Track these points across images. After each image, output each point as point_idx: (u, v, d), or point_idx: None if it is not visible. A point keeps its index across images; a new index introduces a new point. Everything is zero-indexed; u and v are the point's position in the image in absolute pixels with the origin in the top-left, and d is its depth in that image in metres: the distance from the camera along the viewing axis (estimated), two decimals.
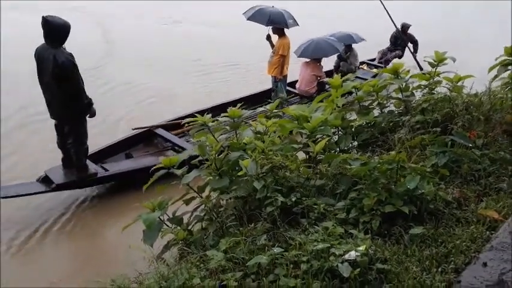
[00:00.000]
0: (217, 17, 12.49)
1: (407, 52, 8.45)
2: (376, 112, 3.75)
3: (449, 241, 2.03)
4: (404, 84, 3.56)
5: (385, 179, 2.34)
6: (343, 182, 2.55)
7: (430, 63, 3.65)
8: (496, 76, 4.56)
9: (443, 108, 3.09)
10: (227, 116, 3.01)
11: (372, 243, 2.02)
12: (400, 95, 3.66)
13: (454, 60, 3.48)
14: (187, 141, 5.28)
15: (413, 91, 3.67)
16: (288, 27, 6.15)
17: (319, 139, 3.12)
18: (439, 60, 3.58)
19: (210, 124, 2.85)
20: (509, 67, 4.67)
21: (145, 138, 5.41)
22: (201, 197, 2.82)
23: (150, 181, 2.77)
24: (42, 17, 3.95)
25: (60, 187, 4.33)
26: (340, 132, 3.54)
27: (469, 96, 3.22)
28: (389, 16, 7.73)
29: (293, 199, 2.39)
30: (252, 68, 8.76)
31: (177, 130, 5.50)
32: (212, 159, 2.70)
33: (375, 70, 7.78)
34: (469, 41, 10.54)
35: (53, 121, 4.36)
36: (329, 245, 1.90)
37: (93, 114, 4.36)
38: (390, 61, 8.51)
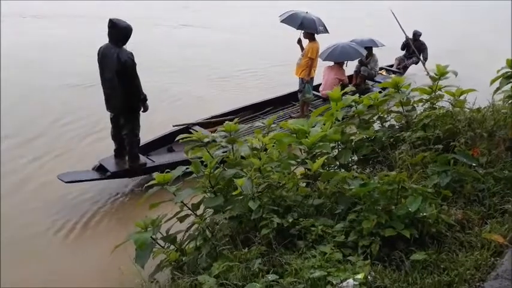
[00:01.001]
0: (229, 22, 13.06)
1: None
2: (376, 126, 3.67)
3: (453, 268, 1.94)
4: (405, 98, 3.49)
5: (385, 201, 2.25)
6: (342, 202, 2.46)
7: (431, 77, 3.57)
8: (497, 89, 4.50)
9: (445, 124, 3.01)
10: (225, 130, 2.94)
11: (371, 269, 1.93)
12: (401, 109, 3.60)
13: (455, 74, 3.41)
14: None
15: (415, 105, 3.59)
16: (317, 33, 6.50)
17: (318, 155, 3.05)
18: (441, 73, 3.51)
19: (206, 140, 2.76)
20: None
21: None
22: (196, 215, 2.75)
23: (144, 198, 2.70)
24: (110, 19, 4.47)
25: (114, 175, 4.76)
26: (339, 147, 3.46)
27: (471, 112, 3.14)
28: (400, 26, 8.41)
29: (290, 220, 2.30)
30: (267, 73, 9.30)
31: (212, 128, 5.91)
32: (207, 176, 2.62)
33: (393, 76, 8.06)
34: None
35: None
36: (326, 273, 1.81)
37: (146, 109, 4.76)
38: (408, 67, 9.12)
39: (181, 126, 5.80)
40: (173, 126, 5.81)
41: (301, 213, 2.43)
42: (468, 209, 2.41)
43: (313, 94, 7.02)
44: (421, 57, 8.97)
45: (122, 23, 4.45)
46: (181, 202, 2.64)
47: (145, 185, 2.76)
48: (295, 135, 3.11)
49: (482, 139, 2.84)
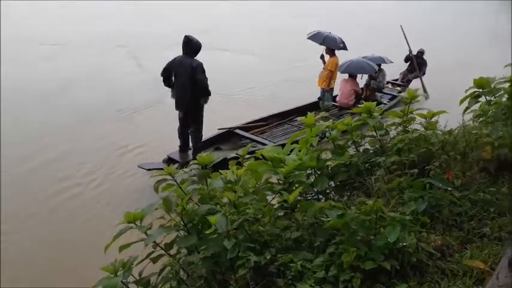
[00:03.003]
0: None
1: (428, 72, 10.09)
2: (351, 150, 3.66)
3: None
4: (378, 122, 3.50)
5: (363, 231, 2.19)
6: (320, 233, 2.39)
7: (403, 101, 3.61)
8: (467, 108, 4.59)
9: (419, 148, 3.01)
10: (199, 163, 2.84)
11: None
12: (374, 133, 3.60)
13: (426, 97, 3.45)
14: (263, 138, 6.92)
15: (388, 129, 3.60)
16: (338, 49, 7.83)
17: (295, 183, 2.99)
18: (412, 97, 3.55)
19: (177, 175, 2.65)
20: (479, 99, 4.74)
21: (227, 136, 6.90)
22: (169, 255, 2.62)
23: (113, 239, 2.56)
24: (185, 35, 5.74)
25: (182, 165, 5.39)
26: (316, 174, 3.42)
27: (444, 134, 3.16)
28: (407, 42, 9.80)
29: (268, 257, 2.21)
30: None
31: (251, 131, 7.13)
32: (179, 213, 2.50)
33: (398, 88, 9.76)
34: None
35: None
36: None
37: (205, 102, 5.85)
38: (411, 81, 10.22)
39: (225, 129, 6.87)
40: (218, 129, 6.85)
41: (279, 248, 2.34)
42: (447, 234, 2.38)
43: (331, 103, 8.26)
44: (419, 73, 10.04)
45: (195, 39, 5.72)
46: (154, 242, 2.51)
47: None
48: (270, 163, 3.06)
49: (456, 161, 2.85)
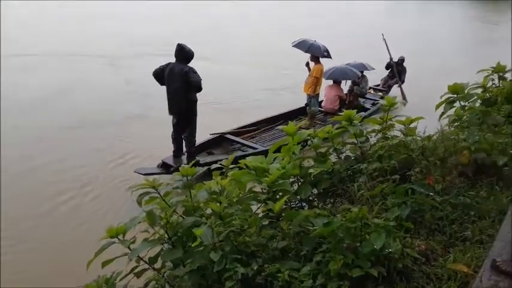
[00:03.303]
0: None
1: (407, 79, 10.52)
2: (332, 158, 3.69)
3: None
4: (358, 130, 3.55)
5: (349, 238, 2.20)
6: (306, 242, 2.39)
7: (382, 108, 3.67)
8: (442, 113, 4.71)
9: (400, 154, 3.06)
10: (181, 174, 2.81)
11: None
12: (355, 140, 3.65)
13: (404, 104, 3.52)
14: (253, 143, 7.18)
15: (368, 136, 3.66)
16: (322, 57, 8.04)
17: (279, 191, 2.99)
18: (390, 104, 3.62)
19: (160, 188, 2.61)
20: (454, 104, 4.88)
21: (218, 141, 7.14)
22: (154, 269, 2.57)
23: (95, 255, 2.50)
24: (178, 44, 5.91)
25: (176, 169, 5.63)
26: (299, 181, 3.43)
27: (423, 140, 3.23)
28: (388, 50, 10.32)
29: (255, 267, 2.19)
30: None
31: (242, 135, 7.41)
32: (163, 225, 2.46)
33: (380, 93, 10.16)
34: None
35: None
36: None
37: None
38: (392, 86, 10.61)
39: (217, 134, 7.12)
40: (210, 134, 7.04)
41: (265, 258, 2.33)
42: (430, 239, 2.42)
43: (318, 108, 8.50)
44: (399, 79, 10.43)
45: (187, 47, 5.91)
46: (138, 256, 2.46)
47: None
48: (254, 172, 3.06)
49: (436, 167, 2.90)
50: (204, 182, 2.89)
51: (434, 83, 10.89)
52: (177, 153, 6.17)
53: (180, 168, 5.11)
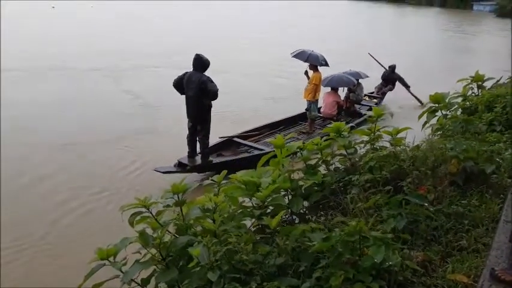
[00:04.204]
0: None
1: (398, 85, 11.49)
2: (321, 169, 3.68)
3: None
4: (347, 141, 3.55)
5: (348, 253, 2.18)
6: (304, 258, 2.34)
7: (369, 119, 3.70)
8: (425, 123, 4.79)
9: (391, 165, 3.07)
10: (172, 192, 2.73)
11: None
12: (343, 151, 3.65)
13: (391, 115, 3.56)
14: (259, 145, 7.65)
15: (357, 147, 3.67)
16: (320, 65, 8.58)
17: (271, 205, 2.96)
18: (378, 115, 3.65)
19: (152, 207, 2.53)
20: (436, 114, 4.97)
21: (227, 144, 7.71)
22: None
23: (85, 279, 2.40)
24: (196, 54, 6.47)
25: (191, 169, 6.50)
26: (290, 194, 3.40)
27: (412, 150, 3.25)
28: (380, 64, 11.40)
29: (253, 286, 2.13)
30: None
31: (249, 139, 8.01)
32: (156, 246, 2.38)
33: (374, 100, 10.91)
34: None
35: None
36: None
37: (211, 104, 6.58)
38: (386, 93, 11.38)
39: (226, 138, 7.69)
40: (219, 138, 7.58)
41: (263, 276, 2.27)
42: (427, 249, 2.42)
43: (317, 114, 9.05)
44: (404, 87, 11.40)
45: (204, 57, 6.43)
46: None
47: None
48: (244, 187, 3.02)
49: (427, 176, 2.92)
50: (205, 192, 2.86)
51: (416, 89, 11.42)
52: (192, 153, 6.67)
53: (194, 167, 6.37)
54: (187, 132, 6.65)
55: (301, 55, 8.69)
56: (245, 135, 8.09)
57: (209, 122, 6.58)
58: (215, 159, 6.90)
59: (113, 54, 14.60)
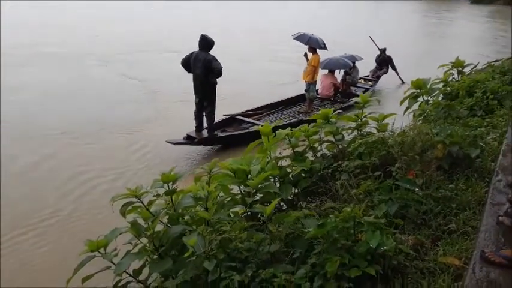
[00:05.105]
0: None
1: (390, 69, 12.06)
2: (309, 156, 3.69)
3: None
4: (334, 128, 3.57)
5: (343, 239, 2.19)
6: (298, 244, 2.36)
7: (356, 105, 3.72)
8: (407, 108, 4.85)
9: (379, 151, 3.10)
10: (162, 181, 2.68)
11: None
12: (331, 138, 3.67)
13: (378, 101, 3.58)
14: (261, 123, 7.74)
15: (344, 133, 3.69)
16: (319, 48, 8.96)
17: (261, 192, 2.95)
18: (364, 102, 3.67)
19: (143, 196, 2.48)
20: (419, 99, 5.04)
21: (230, 121, 8.19)
22: (139, 281, 2.45)
23: (74, 272, 2.35)
24: (202, 34, 6.92)
25: (199, 142, 7.11)
26: (279, 181, 3.40)
27: (399, 136, 3.29)
28: (377, 46, 12.04)
29: (249, 274, 2.12)
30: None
31: (251, 117, 8.43)
32: (150, 236, 2.35)
33: (370, 83, 11.43)
34: None
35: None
36: None
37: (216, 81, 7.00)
38: (380, 76, 11.89)
39: (229, 116, 8.16)
40: (223, 115, 8.00)
41: (258, 263, 2.27)
42: (418, 233, 2.46)
43: (315, 95, 9.39)
44: (391, 69, 11.98)
45: (209, 37, 6.89)
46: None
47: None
48: (234, 175, 3.00)
49: (415, 162, 2.96)
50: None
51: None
52: (199, 128, 7.17)
53: (201, 140, 7.07)
54: (195, 107, 7.16)
55: (301, 38, 9.14)
56: (247, 114, 8.61)
57: (215, 98, 7.06)
58: (220, 134, 7.47)
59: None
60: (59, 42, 14.05)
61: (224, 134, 7.58)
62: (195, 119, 7.20)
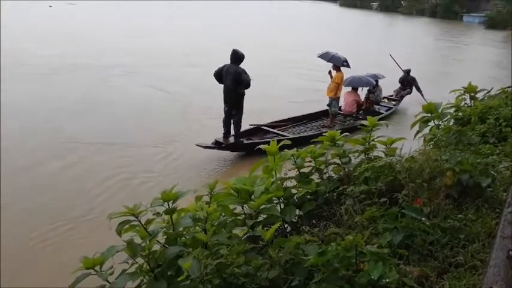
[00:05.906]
0: None
1: (414, 89, 12.43)
2: (314, 177, 3.62)
3: None
4: (341, 150, 3.50)
5: (344, 268, 2.11)
6: (298, 272, 2.28)
7: (364, 128, 3.66)
8: (418, 132, 4.77)
9: (386, 176, 3.02)
10: (162, 199, 2.64)
11: None
12: (337, 160, 3.60)
13: (387, 125, 3.52)
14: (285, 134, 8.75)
15: (351, 155, 3.62)
16: (342, 66, 9.58)
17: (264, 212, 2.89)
18: (373, 125, 3.60)
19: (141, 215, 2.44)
20: (429, 123, 4.95)
21: (255, 131, 8.85)
22: None
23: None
24: (233, 49, 7.78)
25: (226, 147, 7.84)
26: (283, 203, 3.33)
27: (407, 161, 3.20)
28: (399, 67, 12.55)
29: None
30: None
31: (276, 128, 9.06)
32: (145, 256, 2.29)
33: (393, 102, 11.91)
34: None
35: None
36: None
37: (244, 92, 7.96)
38: (404, 96, 12.34)
39: (255, 126, 8.85)
40: (249, 125, 8.77)
41: None
42: (423, 265, 2.36)
43: (338, 111, 9.98)
44: (415, 89, 12.37)
45: (240, 52, 7.75)
46: None
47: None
48: (237, 195, 2.95)
49: (423, 189, 2.88)
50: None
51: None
52: (226, 134, 7.90)
53: (229, 145, 7.91)
54: (224, 115, 7.89)
55: (325, 56, 9.80)
56: (272, 125, 9.20)
57: (242, 108, 7.77)
58: (245, 141, 8.10)
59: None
60: (89, 54, 14.68)
61: (249, 141, 8.11)
62: (223, 126, 7.87)
